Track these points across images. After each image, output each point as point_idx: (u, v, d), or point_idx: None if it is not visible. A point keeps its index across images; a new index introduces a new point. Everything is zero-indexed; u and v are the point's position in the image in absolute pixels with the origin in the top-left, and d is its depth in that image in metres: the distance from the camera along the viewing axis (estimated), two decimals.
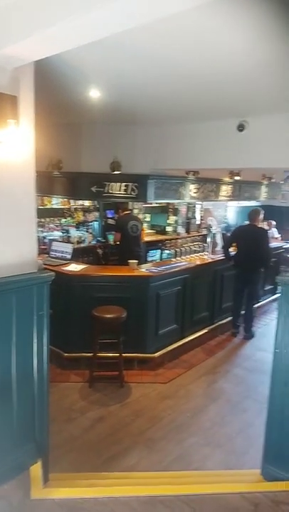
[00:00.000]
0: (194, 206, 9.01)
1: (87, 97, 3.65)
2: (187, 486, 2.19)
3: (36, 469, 2.38)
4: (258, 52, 2.45)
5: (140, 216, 7.59)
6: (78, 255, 6.12)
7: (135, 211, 7.51)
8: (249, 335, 5.53)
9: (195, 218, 9.08)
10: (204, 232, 8.11)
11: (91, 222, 7.32)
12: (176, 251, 7.45)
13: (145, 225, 7.96)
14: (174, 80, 3.15)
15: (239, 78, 2.96)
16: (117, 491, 2.11)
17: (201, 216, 9.12)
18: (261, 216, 5.59)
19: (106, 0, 1.49)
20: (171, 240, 8.04)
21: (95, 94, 3.53)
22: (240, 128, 4.19)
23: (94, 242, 7.13)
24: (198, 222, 9.13)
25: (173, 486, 2.19)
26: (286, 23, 2.02)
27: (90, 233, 7.21)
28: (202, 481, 2.39)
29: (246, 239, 5.42)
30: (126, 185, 5.53)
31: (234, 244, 5.59)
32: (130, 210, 6.52)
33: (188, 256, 5.99)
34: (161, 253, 7.39)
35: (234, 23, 2.00)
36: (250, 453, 3.04)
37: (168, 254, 7.39)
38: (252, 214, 5.54)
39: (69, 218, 7.23)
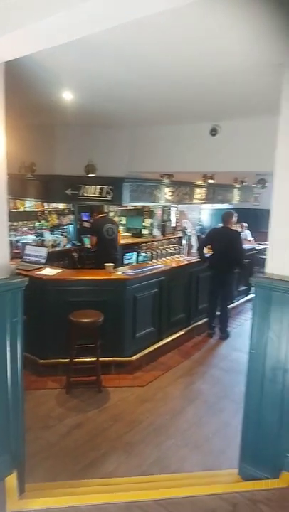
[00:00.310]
0: (169, 209, 9.07)
1: (60, 99, 3.60)
2: (165, 490, 2.19)
3: (11, 480, 2.31)
4: (230, 57, 2.49)
5: (116, 219, 7.57)
6: (53, 259, 6.03)
7: (111, 214, 7.48)
8: (225, 335, 5.61)
9: (170, 221, 9.14)
10: (180, 234, 8.19)
11: (66, 225, 7.23)
12: (152, 253, 7.50)
13: (121, 228, 7.94)
14: (147, 83, 3.16)
15: (212, 81, 3.01)
16: (94, 498, 2.07)
17: (177, 219, 9.20)
18: (234, 219, 5.70)
19: (74, 2, 1.48)
20: (147, 242, 8.06)
21: (67, 96, 3.50)
22: (213, 132, 4.26)
23: (69, 246, 7.04)
24: (173, 224, 9.20)
25: (151, 490, 2.18)
26: (258, 29, 2.07)
27: (65, 236, 7.11)
28: (180, 484, 2.39)
29: (220, 241, 5.51)
30: (101, 188, 5.50)
31: (209, 246, 5.67)
32: (106, 213, 6.49)
33: (164, 258, 6.02)
34: (138, 256, 7.40)
35: (207, 25, 2.01)
36: (228, 453, 3.08)
37: (144, 256, 7.42)
38: (225, 216, 5.64)
39: (43, 221, 7.11)
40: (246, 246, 6.68)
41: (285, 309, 2.28)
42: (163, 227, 8.90)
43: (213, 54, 2.43)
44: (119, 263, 5.95)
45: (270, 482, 2.33)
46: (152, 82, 3.12)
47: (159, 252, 5.84)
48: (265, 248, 2.62)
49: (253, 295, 2.48)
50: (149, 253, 7.50)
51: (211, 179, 5.92)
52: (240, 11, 1.83)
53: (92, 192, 5.49)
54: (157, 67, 2.74)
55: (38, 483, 2.60)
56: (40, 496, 2.25)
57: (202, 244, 5.75)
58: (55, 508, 2.07)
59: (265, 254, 2.55)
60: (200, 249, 5.69)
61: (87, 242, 7.18)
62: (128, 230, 8.57)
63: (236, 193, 8.27)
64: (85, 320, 3.91)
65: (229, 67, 2.67)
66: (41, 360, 4.27)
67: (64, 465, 2.96)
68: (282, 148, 2.30)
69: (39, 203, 6.89)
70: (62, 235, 7.08)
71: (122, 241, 7.52)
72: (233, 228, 5.75)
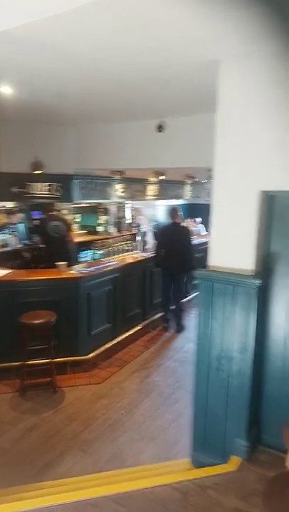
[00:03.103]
0: (124, 206, 9.06)
1: None
2: (118, 484, 2.21)
3: None
4: (168, 53, 2.51)
5: (69, 217, 7.44)
6: (3, 260, 5.84)
7: (64, 212, 7.35)
8: (180, 328, 5.73)
9: (126, 218, 9.14)
10: (135, 231, 8.21)
11: (15, 224, 6.99)
12: (107, 251, 7.46)
13: (76, 226, 7.82)
14: (88, 80, 3.13)
15: (153, 79, 3.03)
16: (44, 501, 2.05)
17: (132, 215, 9.21)
18: (180, 213, 5.79)
19: None
20: (102, 239, 7.99)
21: (6, 90, 3.38)
22: (160, 128, 4.30)
23: (20, 246, 6.82)
24: (129, 221, 9.20)
25: (102, 486, 2.19)
26: (195, 24, 2.10)
27: (15, 236, 6.88)
28: (133, 477, 2.43)
29: (171, 237, 5.58)
30: (49, 186, 5.39)
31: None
32: (57, 210, 6.35)
33: (120, 255, 6.01)
34: (93, 253, 7.33)
35: (143, 20, 2.01)
36: (182, 442, 3.15)
37: (100, 254, 7.36)
38: (172, 212, 5.72)
39: None
40: (200, 240, 6.84)
41: (226, 300, 2.37)
42: (118, 224, 8.87)
43: (152, 50, 2.44)
44: (72, 261, 5.86)
45: (220, 467, 2.43)
46: (93, 80, 3.10)
47: (114, 249, 5.82)
48: None
49: (198, 288, 2.56)
50: (105, 250, 7.45)
51: (163, 175, 5.99)
52: (178, 6, 1.84)
53: (40, 189, 5.37)
54: (95, 63, 2.72)
55: None
56: None
57: (158, 246, 5.70)
58: None
59: None
60: (158, 251, 5.67)
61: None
62: (83, 227, 8.45)
63: (188, 189, 8.43)
64: (37, 321, 3.83)
65: (169, 63, 2.70)
66: None
67: (19, 470, 2.90)
68: (219, 144, 2.37)
69: None
70: (11, 234, 6.83)
71: (78, 239, 7.43)
72: (182, 225, 5.84)
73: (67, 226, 6.30)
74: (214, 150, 2.41)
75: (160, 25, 2.05)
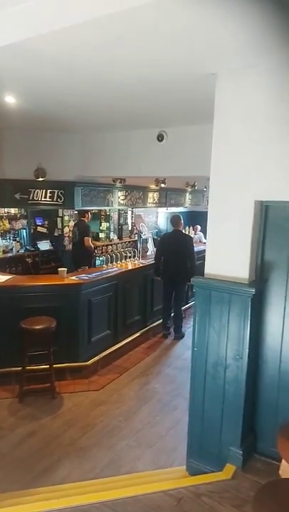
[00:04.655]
0: (126, 212, 9.14)
1: (3, 102, 3.55)
2: (112, 491, 2.22)
3: None
4: (168, 66, 2.57)
5: (71, 223, 7.52)
6: (5, 265, 5.90)
7: (65, 218, 7.44)
8: (179, 335, 5.74)
9: (127, 224, 9.21)
10: (136, 237, 8.27)
11: (18, 230, 7.07)
12: (108, 257, 7.50)
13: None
14: (90, 91, 3.19)
15: (153, 90, 3.09)
16: (39, 506, 2.07)
17: (133, 222, 9.28)
18: (182, 221, 5.83)
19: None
20: (103, 246, 8.06)
21: (10, 100, 3.45)
22: (160, 138, 4.36)
23: (22, 251, 6.89)
24: (130, 228, 9.27)
25: (98, 493, 2.21)
26: (193, 38, 2.15)
27: (18, 242, 6.96)
28: (129, 484, 2.44)
29: (173, 245, 5.59)
30: (52, 192, 5.46)
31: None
32: (85, 216, 6.64)
33: (120, 262, 6.06)
34: (94, 260, 7.38)
35: (144, 34, 2.06)
36: (179, 449, 3.15)
37: (101, 260, 7.41)
38: (175, 220, 5.75)
39: None
40: (199, 248, 6.87)
41: (223, 308, 2.40)
42: (120, 231, 8.94)
43: (152, 63, 2.50)
44: (84, 266, 5.95)
45: (214, 475, 2.44)
46: (95, 90, 3.16)
47: (115, 255, 5.87)
48: None
49: (195, 295, 2.58)
50: (106, 257, 7.50)
51: (163, 183, 6.04)
52: (175, 22, 1.89)
53: (43, 196, 5.44)
54: (95, 75, 2.78)
55: None
56: None
57: (158, 254, 5.73)
58: None
59: None
60: (157, 259, 5.71)
61: (43, 247, 7.12)
62: None
63: (188, 196, 8.49)
64: (37, 327, 3.86)
65: (168, 76, 2.75)
66: None
67: (16, 475, 2.91)
68: (215, 154, 2.42)
69: None
70: (14, 240, 6.91)
71: None
72: (185, 232, 5.88)
73: (85, 231, 6.49)
74: (211, 160, 2.46)
75: (159, 38, 2.10)
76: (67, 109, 3.89)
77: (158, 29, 1.99)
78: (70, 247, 7.46)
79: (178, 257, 5.53)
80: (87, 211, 6.54)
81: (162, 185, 6.04)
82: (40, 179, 5.08)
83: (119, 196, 6.55)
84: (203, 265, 2.59)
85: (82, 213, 6.64)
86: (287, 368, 2.45)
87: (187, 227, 8.05)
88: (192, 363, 2.59)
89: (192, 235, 7.12)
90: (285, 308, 2.44)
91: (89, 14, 1.81)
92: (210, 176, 2.47)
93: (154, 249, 6.23)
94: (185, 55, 2.32)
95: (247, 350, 2.34)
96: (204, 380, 2.53)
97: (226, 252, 2.45)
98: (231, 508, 2.11)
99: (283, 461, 1.96)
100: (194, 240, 6.37)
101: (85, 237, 6.50)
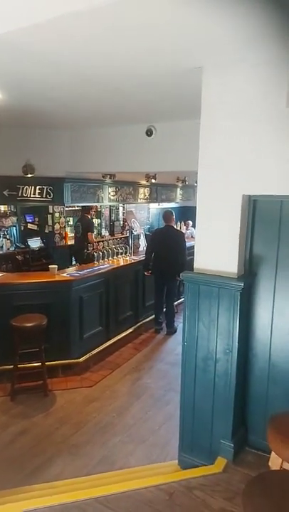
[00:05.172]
0: (117, 208, 9.10)
1: None
2: (104, 487, 2.22)
3: None
4: (156, 59, 2.54)
5: (62, 219, 7.48)
6: None
7: (56, 215, 7.39)
8: (171, 330, 5.76)
9: (118, 220, 9.17)
10: (127, 234, 8.25)
11: (8, 227, 7.00)
12: (100, 253, 7.49)
13: (68, 229, 7.86)
14: (77, 86, 3.15)
15: (140, 85, 3.06)
16: (31, 503, 2.06)
17: (124, 218, 9.25)
18: (174, 217, 5.83)
19: None
20: (95, 242, 8.02)
21: None
22: (149, 133, 4.34)
23: (13, 249, 6.83)
24: (121, 224, 9.24)
25: (89, 489, 2.21)
26: (180, 31, 2.13)
27: (8, 239, 6.89)
28: (121, 479, 2.44)
29: (165, 240, 5.59)
30: (41, 189, 5.41)
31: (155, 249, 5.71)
32: (90, 212, 7.08)
33: (112, 258, 6.04)
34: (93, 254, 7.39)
35: (128, 27, 2.03)
36: (172, 444, 3.17)
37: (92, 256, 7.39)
38: (167, 216, 5.76)
39: None
40: (191, 243, 6.87)
41: (212, 302, 2.40)
42: (111, 227, 8.91)
43: (137, 57, 2.46)
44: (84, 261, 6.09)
45: (206, 468, 2.45)
46: (81, 84, 3.12)
47: (107, 252, 5.85)
48: None
49: (185, 290, 2.58)
50: (97, 253, 7.48)
51: (154, 179, 6.02)
52: (162, 14, 1.87)
53: (32, 193, 5.40)
54: (81, 69, 2.74)
55: None
56: None
57: (149, 249, 5.72)
58: None
59: None
60: (147, 254, 5.70)
61: (36, 244, 7.09)
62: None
63: (179, 192, 8.48)
64: (28, 324, 3.84)
65: (155, 70, 2.72)
66: None
67: (8, 474, 2.90)
68: (203, 149, 2.41)
69: None
70: (4, 237, 6.85)
71: (69, 242, 7.51)
72: (177, 228, 5.88)
73: (88, 227, 6.74)
74: (198, 155, 2.45)
75: (144, 31, 2.08)
76: (55, 105, 3.84)
77: (143, 23, 1.96)
78: (61, 243, 7.44)
79: (170, 253, 5.53)
80: (90, 207, 6.77)
81: (153, 180, 6.02)
82: (29, 175, 5.03)
83: (109, 192, 6.51)
84: (193, 260, 2.59)
85: (86, 210, 7.00)
86: (276, 360, 2.47)
87: (179, 223, 8.04)
88: (182, 358, 2.59)
89: (184, 231, 7.12)
90: (273, 301, 2.45)
91: (71, 6, 1.78)
92: (198, 171, 2.46)
93: (145, 245, 6.22)
94: (170, 49, 2.29)
95: (236, 343, 2.35)
96: (195, 374, 2.53)
97: (214, 247, 2.45)
98: (223, 501, 2.13)
99: (273, 452, 1.98)
100: (186, 236, 6.37)
101: (89, 233, 6.83)
